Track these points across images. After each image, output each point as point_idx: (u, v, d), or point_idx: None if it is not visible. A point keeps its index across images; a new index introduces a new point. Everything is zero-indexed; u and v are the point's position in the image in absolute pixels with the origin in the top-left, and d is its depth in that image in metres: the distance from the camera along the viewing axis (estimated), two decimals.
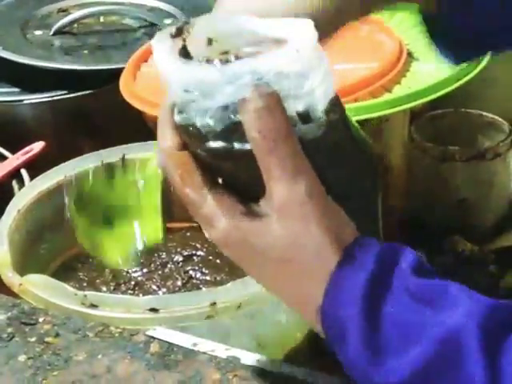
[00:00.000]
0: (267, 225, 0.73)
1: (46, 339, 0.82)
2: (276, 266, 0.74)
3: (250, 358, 0.79)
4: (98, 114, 1.29)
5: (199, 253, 1.14)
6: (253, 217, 0.74)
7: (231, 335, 0.90)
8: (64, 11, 1.47)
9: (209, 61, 0.72)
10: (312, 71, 0.72)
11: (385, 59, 1.17)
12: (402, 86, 1.15)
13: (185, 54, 0.74)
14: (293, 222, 0.72)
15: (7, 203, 1.05)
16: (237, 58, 0.72)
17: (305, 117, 0.73)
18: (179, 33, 0.75)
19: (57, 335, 0.82)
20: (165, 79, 0.73)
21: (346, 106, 1.06)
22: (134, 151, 1.14)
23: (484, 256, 1.24)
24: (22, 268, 0.98)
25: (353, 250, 0.71)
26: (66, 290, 0.92)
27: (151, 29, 1.41)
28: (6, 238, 1.00)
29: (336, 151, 0.76)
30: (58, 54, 1.36)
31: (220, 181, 0.76)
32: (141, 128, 1.16)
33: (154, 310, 0.89)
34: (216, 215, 0.74)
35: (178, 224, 1.19)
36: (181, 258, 1.14)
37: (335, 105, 0.75)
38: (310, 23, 0.73)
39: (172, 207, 1.18)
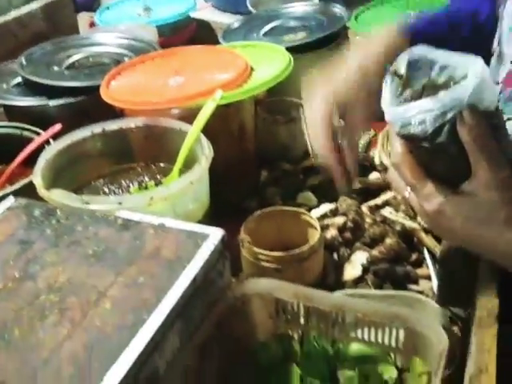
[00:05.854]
0: (473, 198, 0.64)
1: (61, 221, 0.83)
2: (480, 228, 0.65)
3: (170, 223, 0.80)
4: (90, 108, 1.29)
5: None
6: (461, 193, 0.65)
7: (161, 213, 0.89)
8: (70, 56, 1.47)
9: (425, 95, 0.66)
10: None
11: (238, 70, 1.20)
12: (248, 84, 1.17)
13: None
14: (494, 193, 0.63)
15: None
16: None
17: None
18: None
19: (67, 218, 0.83)
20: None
21: (218, 95, 1.06)
22: (111, 124, 1.15)
23: (296, 171, 1.28)
24: (50, 187, 0.99)
25: None
26: (72, 196, 0.95)
27: (117, 63, 1.41)
28: (39, 173, 1.02)
29: None
30: (68, 78, 1.37)
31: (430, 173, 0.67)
32: (113, 113, 1.20)
33: (119, 203, 0.92)
34: (433, 193, 0.65)
35: None
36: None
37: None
38: (479, 60, 0.65)
39: None
